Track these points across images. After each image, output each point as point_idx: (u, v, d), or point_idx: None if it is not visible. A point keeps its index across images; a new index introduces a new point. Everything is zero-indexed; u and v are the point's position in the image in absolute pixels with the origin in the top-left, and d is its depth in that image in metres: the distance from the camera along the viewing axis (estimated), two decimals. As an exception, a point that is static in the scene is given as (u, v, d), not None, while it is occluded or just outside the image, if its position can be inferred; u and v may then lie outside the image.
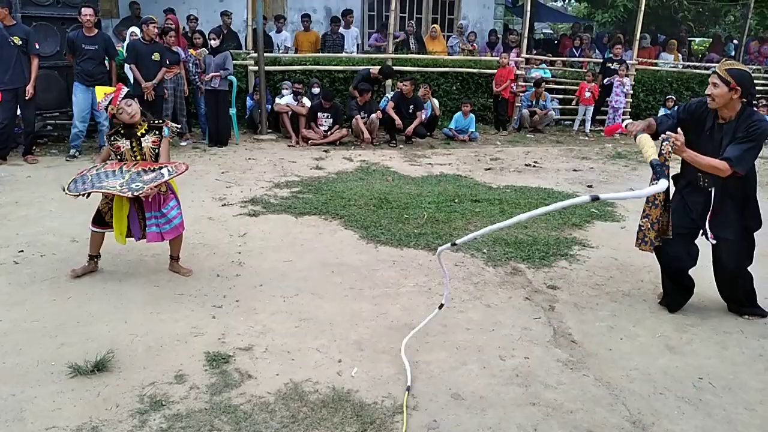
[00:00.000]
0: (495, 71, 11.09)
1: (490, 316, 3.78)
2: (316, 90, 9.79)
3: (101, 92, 3.88)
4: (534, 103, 11.30)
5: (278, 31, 11.50)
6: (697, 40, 19.19)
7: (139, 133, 3.91)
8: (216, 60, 8.76)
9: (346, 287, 4.12)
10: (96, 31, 7.66)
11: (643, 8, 11.75)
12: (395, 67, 10.70)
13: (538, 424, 2.70)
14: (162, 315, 3.61)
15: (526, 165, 8.55)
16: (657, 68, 13.15)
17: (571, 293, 4.17)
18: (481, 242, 5.07)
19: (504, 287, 4.22)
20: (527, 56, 11.61)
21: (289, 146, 9.23)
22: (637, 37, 12.00)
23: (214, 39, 8.85)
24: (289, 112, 9.54)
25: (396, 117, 9.53)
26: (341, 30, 11.64)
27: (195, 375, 2.97)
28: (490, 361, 3.23)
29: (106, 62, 7.86)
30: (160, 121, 4.04)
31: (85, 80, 7.56)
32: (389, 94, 10.28)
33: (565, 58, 13.11)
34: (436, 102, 10.34)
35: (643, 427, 2.72)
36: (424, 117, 9.93)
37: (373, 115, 9.55)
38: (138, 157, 3.93)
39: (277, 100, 9.67)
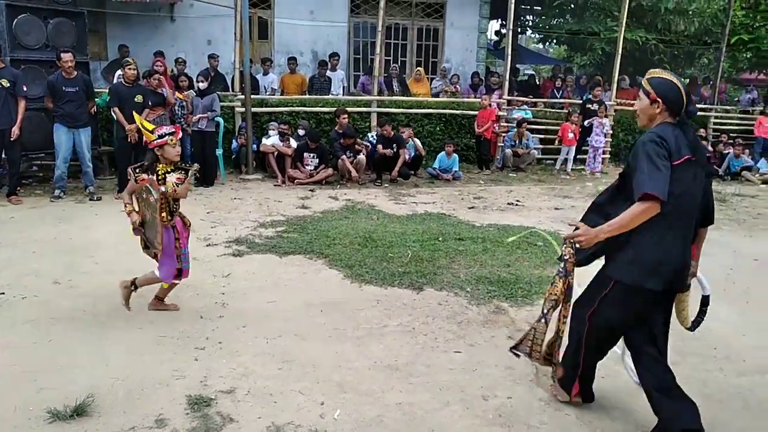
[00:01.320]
0: (477, 112, 11.33)
1: (473, 355, 3.80)
2: (302, 132, 9.93)
3: (140, 122, 4.19)
4: (517, 142, 11.52)
5: (265, 74, 11.70)
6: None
7: (162, 171, 4.00)
8: (203, 102, 8.89)
9: (330, 328, 4.13)
10: (75, 73, 7.74)
11: (620, 51, 12.14)
12: (380, 110, 10.92)
13: (521, 466, 2.70)
14: (144, 357, 3.58)
15: (508, 204, 8.67)
16: (635, 109, 13.47)
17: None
18: (464, 281, 5.11)
19: (487, 326, 4.25)
20: (509, 98, 11.90)
21: (275, 186, 9.30)
22: (615, 79, 12.37)
23: (202, 81, 9.00)
24: (275, 153, 9.64)
25: (384, 151, 9.69)
26: (328, 73, 11.86)
27: (176, 419, 2.95)
28: (473, 402, 3.24)
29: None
30: (188, 165, 4.17)
31: (67, 122, 7.63)
32: (373, 133, 10.45)
33: (545, 100, 13.43)
34: (418, 142, 10.51)
35: (625, 466, 2.74)
36: (408, 156, 10.08)
37: (360, 156, 9.67)
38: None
39: (264, 140, 9.78)
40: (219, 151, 9.33)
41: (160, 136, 3.92)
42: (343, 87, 12.38)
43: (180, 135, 4.08)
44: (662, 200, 2.55)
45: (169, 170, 4.02)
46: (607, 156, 12.28)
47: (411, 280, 5.08)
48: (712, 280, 5.41)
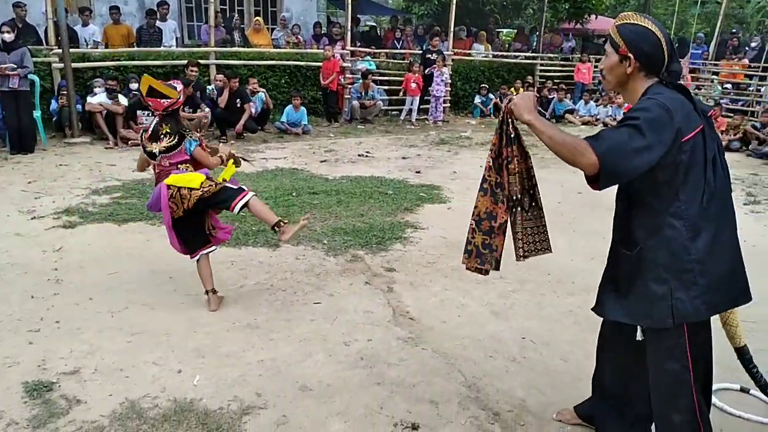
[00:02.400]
0: (321, 64, 11.19)
1: (333, 304, 3.84)
2: (135, 86, 9.13)
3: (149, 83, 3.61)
4: (363, 94, 11.60)
5: (84, 25, 10.51)
6: (504, 31, 20.98)
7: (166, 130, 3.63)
8: (11, 57, 7.78)
9: (181, 294, 3.94)
10: None
11: (455, 1, 12.57)
12: (220, 62, 10.37)
13: (384, 402, 2.81)
14: (-36, 349, 3.17)
15: (359, 155, 8.77)
16: (471, 58, 14.18)
17: (406, 273, 4.38)
18: (320, 233, 5.12)
19: (345, 275, 4.31)
20: (352, 48, 11.87)
21: (106, 148, 8.52)
22: (452, 29, 12.82)
23: (8, 32, 7.85)
24: (104, 112, 8.81)
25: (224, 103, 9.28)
26: (157, 23, 10.95)
27: (12, 409, 2.65)
28: (335, 348, 3.29)
29: None
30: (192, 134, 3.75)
31: None
32: (212, 86, 9.93)
33: (387, 50, 13.60)
34: (266, 95, 10.18)
35: (477, 389, 2.96)
36: (253, 110, 9.75)
37: (202, 114, 9.12)
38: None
39: (89, 99, 8.88)
40: (37, 113, 8.30)
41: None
42: (176, 38, 11.54)
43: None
44: (598, 167, 1.93)
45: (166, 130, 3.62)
46: (447, 105, 12.82)
47: (266, 238, 4.98)
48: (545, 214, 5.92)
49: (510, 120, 2.21)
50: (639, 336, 2.20)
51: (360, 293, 4.03)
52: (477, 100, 13.23)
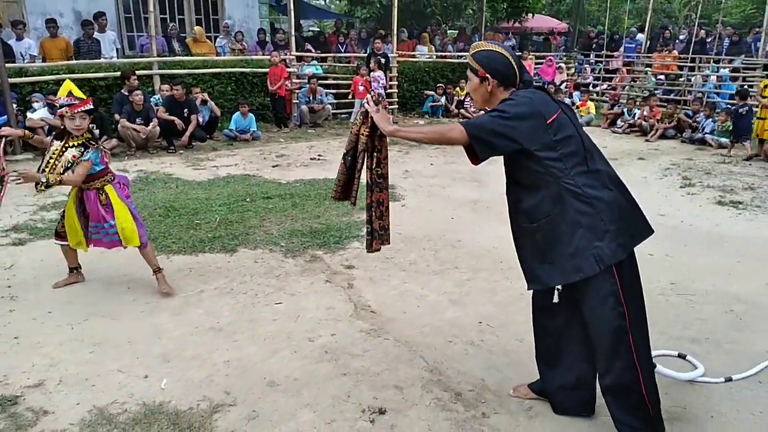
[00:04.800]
0: (268, 70, 11.18)
1: (294, 303, 3.92)
2: (75, 101, 8.92)
3: (67, 88, 3.77)
4: (311, 98, 11.66)
5: (19, 39, 10.19)
6: (449, 32, 21.37)
7: (70, 144, 3.78)
8: (-58, 74, 7.53)
9: (141, 303, 3.93)
10: None
11: (396, 4, 12.77)
12: (163, 71, 10.25)
13: (351, 391, 2.92)
14: None
15: (311, 159, 8.83)
16: (415, 60, 14.41)
17: (365, 269, 4.49)
18: (277, 236, 5.17)
19: (305, 275, 4.39)
20: (298, 54, 11.91)
21: (51, 165, 8.29)
22: (394, 31, 13.01)
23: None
24: (46, 127, 8.58)
25: (174, 119, 9.15)
26: (96, 34, 10.72)
27: (-24, 426, 2.63)
28: (300, 345, 3.37)
29: None
30: (93, 143, 3.87)
31: None
32: (156, 96, 9.81)
33: (333, 54, 13.69)
34: (212, 103, 10.12)
35: (439, 372, 3.10)
36: (201, 119, 9.68)
37: (151, 126, 8.97)
38: (52, 161, 3.76)
39: (29, 114, 8.64)
40: (-27, 131, 8.03)
41: (60, 106, 3.73)
42: (117, 49, 11.32)
43: (87, 106, 3.77)
44: (468, 140, 2.33)
45: (76, 143, 3.75)
46: (395, 107, 13.00)
47: (222, 243, 5.00)
48: (491, 207, 6.18)
49: (376, 131, 2.63)
50: (555, 299, 2.50)
51: (321, 291, 4.11)
52: (429, 101, 13.46)
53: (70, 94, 3.76)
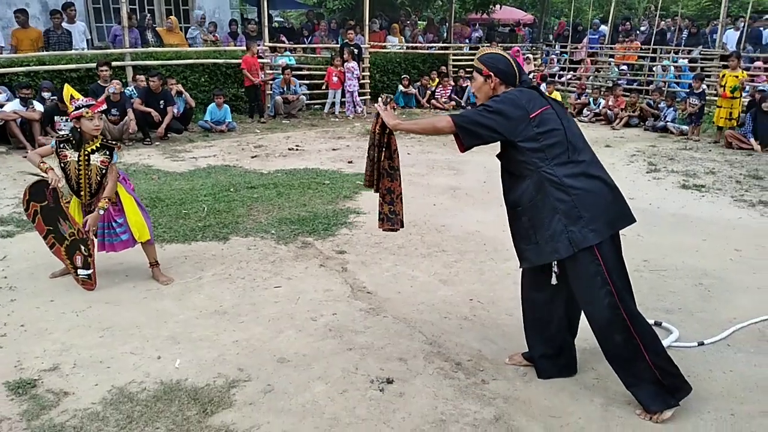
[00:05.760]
0: (242, 60, 11.18)
1: (293, 287, 4.07)
2: (47, 94, 8.83)
3: (70, 92, 3.86)
4: (285, 89, 11.71)
5: (-15, 29, 10.01)
6: (418, 23, 21.53)
7: (89, 149, 3.85)
8: None
9: (143, 290, 4.03)
10: None
11: (368, -5, 12.86)
12: (136, 63, 10.17)
13: (358, 364, 3.10)
14: (-70, 359, 3.15)
15: (289, 149, 8.93)
16: (387, 51, 14.56)
17: (357, 254, 4.67)
18: (267, 224, 5.30)
19: (299, 260, 4.54)
20: (271, 44, 11.93)
21: (24, 157, 8.18)
22: (366, 22, 13.12)
23: None
24: (18, 120, 8.48)
25: (151, 110, 9.13)
26: (65, 25, 10.56)
27: (0, 407, 2.72)
28: (304, 324, 3.54)
29: None
30: (114, 143, 3.98)
31: None
32: (130, 88, 9.74)
33: (306, 45, 13.73)
34: (187, 95, 10.10)
35: (438, 345, 3.31)
36: (176, 111, 9.67)
37: (128, 118, 8.93)
38: (82, 172, 3.87)
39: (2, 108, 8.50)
40: (-56, 124, 7.90)
41: (76, 108, 3.74)
42: (87, 40, 11.16)
43: (102, 107, 3.88)
44: (455, 129, 2.64)
45: (94, 148, 3.82)
46: (367, 97, 13.13)
47: (214, 232, 5.11)
48: (469, 194, 6.42)
49: (386, 129, 3.00)
50: (554, 280, 2.78)
51: (316, 275, 4.27)
52: (400, 89, 13.61)
53: (72, 98, 3.84)
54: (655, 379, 2.64)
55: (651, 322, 3.49)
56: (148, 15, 12.32)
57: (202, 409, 2.71)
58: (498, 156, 2.83)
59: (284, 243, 4.89)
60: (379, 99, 3.04)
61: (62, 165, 3.91)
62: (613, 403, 2.80)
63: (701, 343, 3.31)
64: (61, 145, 3.88)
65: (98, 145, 3.89)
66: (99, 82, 8.97)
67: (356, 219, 5.51)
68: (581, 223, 2.57)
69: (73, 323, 3.55)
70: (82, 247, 3.94)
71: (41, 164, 3.85)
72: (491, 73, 2.75)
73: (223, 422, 2.63)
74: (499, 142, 2.73)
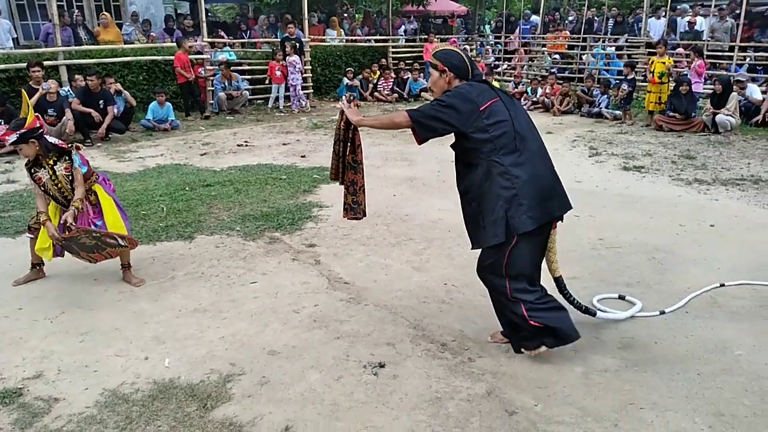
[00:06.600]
0: (174, 57, 10.89)
1: (269, 281, 4.09)
2: (-23, 94, 8.36)
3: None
4: (227, 85, 11.52)
5: None
6: (356, 16, 21.53)
7: (51, 162, 3.80)
8: None
9: (115, 292, 3.95)
10: None
11: (307, -12, 12.80)
12: (70, 62, 9.76)
13: (348, 351, 3.18)
14: None
15: (238, 145, 8.83)
16: (327, 44, 14.53)
17: (327, 247, 4.73)
18: (231, 221, 5.27)
19: (270, 255, 4.55)
20: (210, 40, 11.70)
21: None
22: (306, 16, 13.05)
23: None
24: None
25: (92, 110, 8.80)
26: (-12, 23, 10.02)
27: (-11, 418, 2.65)
28: (287, 317, 3.58)
29: None
30: (70, 146, 3.89)
31: None
32: (66, 88, 9.35)
33: (244, 40, 13.53)
34: (127, 94, 9.79)
35: (422, 328, 3.43)
36: (117, 111, 9.35)
37: (66, 118, 8.57)
38: (58, 185, 3.83)
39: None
40: None
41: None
42: (13, 39, 10.62)
43: (10, 138, 3.70)
44: (412, 123, 2.87)
45: (55, 159, 3.81)
46: (310, 91, 13.09)
47: (177, 231, 5.04)
48: (427, 184, 6.55)
49: (350, 125, 3.19)
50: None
51: (291, 269, 4.31)
52: (345, 82, 13.63)
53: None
54: (530, 336, 3.03)
55: (615, 296, 3.77)
56: (77, 12, 11.82)
57: (201, 404, 2.73)
58: (452, 146, 3.03)
59: (252, 239, 4.88)
60: (343, 97, 3.22)
61: (42, 188, 3.84)
62: (592, 372, 3.00)
63: (662, 312, 3.58)
64: (32, 170, 3.83)
65: (56, 158, 3.82)
66: (31, 83, 8.55)
67: (320, 213, 5.56)
68: (521, 209, 2.79)
69: (49, 330, 3.45)
70: (95, 239, 3.86)
71: (41, 215, 3.87)
72: (446, 68, 2.95)
73: (225, 415, 2.66)
74: (452, 134, 2.93)
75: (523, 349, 3.12)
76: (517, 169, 2.80)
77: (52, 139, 3.90)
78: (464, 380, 2.93)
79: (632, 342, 3.29)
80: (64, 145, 3.90)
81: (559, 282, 3.31)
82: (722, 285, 3.92)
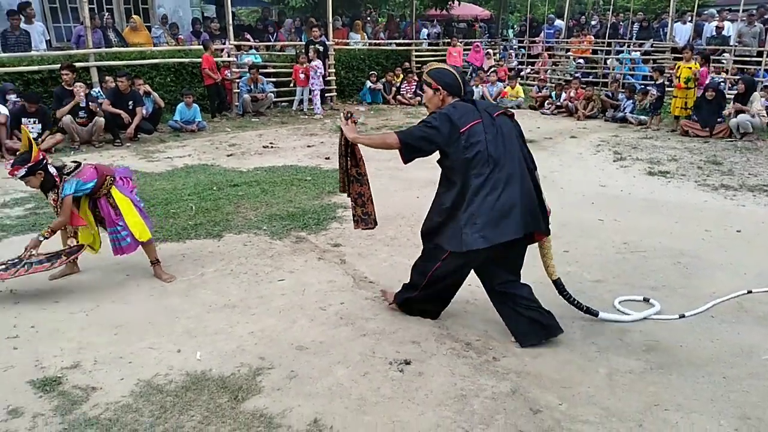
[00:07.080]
0: (202, 59, 11.08)
1: (296, 279, 4.17)
2: (12, 96, 8.61)
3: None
4: (253, 87, 11.68)
5: (-62, 31, 9.67)
6: (379, 19, 21.69)
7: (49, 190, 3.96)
8: None
9: (147, 288, 4.07)
10: None
11: (331, -8, 12.93)
12: (100, 63, 10.00)
13: (374, 348, 3.24)
14: (-57, 363, 3.14)
15: (264, 147, 8.96)
16: (350, 48, 14.66)
17: (352, 246, 4.80)
18: (258, 221, 5.37)
19: (297, 254, 4.64)
20: (237, 43, 11.88)
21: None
22: (330, 19, 13.17)
23: None
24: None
25: (121, 111, 9.01)
26: (23, 26, 10.28)
27: (31, 405, 2.75)
28: (315, 314, 3.65)
29: None
30: (57, 178, 3.94)
31: None
32: (96, 89, 9.58)
33: (269, 43, 13.71)
34: (156, 95, 9.99)
35: (447, 328, 3.48)
36: (145, 112, 9.55)
37: (98, 118, 8.79)
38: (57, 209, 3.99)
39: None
40: None
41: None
42: (47, 41, 10.90)
43: (19, 173, 3.83)
44: (400, 145, 3.09)
45: (50, 187, 3.95)
46: (334, 94, 13.20)
47: (206, 229, 5.15)
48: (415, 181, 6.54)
49: (348, 140, 3.42)
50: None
51: (317, 268, 4.39)
52: (368, 85, 13.74)
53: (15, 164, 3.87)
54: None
55: (640, 298, 3.78)
56: (107, 14, 12.08)
57: (233, 396, 2.81)
58: (438, 162, 3.20)
59: (278, 238, 4.97)
60: (341, 114, 3.42)
61: (56, 211, 4.02)
62: (616, 372, 3.03)
63: (682, 316, 3.58)
64: (47, 195, 4.00)
65: (52, 185, 3.94)
66: (63, 85, 8.78)
67: (344, 213, 5.63)
68: (474, 228, 2.97)
69: (85, 322, 3.57)
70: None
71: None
72: (439, 87, 3.15)
73: (255, 407, 2.73)
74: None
75: (396, 300, 3.58)
76: (483, 190, 2.97)
77: (52, 169, 3.98)
78: (489, 379, 2.97)
79: (657, 345, 3.30)
80: (57, 178, 3.96)
81: (557, 284, 3.45)
82: (749, 292, 3.90)
